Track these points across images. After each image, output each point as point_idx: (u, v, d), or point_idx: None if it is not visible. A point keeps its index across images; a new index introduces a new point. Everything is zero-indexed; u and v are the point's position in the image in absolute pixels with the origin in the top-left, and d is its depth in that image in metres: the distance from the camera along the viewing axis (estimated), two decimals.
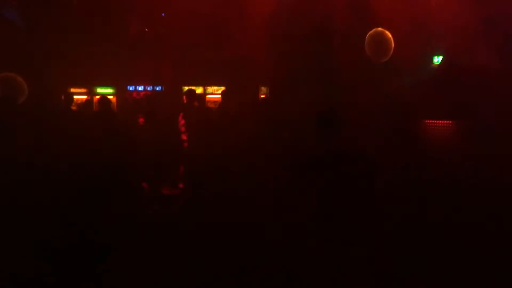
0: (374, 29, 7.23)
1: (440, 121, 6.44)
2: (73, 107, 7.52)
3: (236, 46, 10.53)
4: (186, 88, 11.07)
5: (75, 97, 8.49)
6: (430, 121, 6.59)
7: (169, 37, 10.10)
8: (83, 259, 2.88)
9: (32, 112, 5.71)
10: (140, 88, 11.56)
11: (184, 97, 6.81)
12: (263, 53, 10.31)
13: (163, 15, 10.30)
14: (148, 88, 11.54)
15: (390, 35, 7.05)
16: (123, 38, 9.51)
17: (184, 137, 6.24)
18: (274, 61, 10.40)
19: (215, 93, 11.62)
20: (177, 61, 10.81)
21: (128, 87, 11.56)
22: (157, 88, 11.60)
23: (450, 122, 6.39)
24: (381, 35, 7.23)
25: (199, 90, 11.16)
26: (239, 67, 10.80)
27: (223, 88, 10.64)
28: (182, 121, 6.26)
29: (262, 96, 11.35)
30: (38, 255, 2.83)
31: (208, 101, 11.32)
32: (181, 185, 6.11)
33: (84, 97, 10.36)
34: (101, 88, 11.37)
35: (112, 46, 10.25)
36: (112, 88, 11.49)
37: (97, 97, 8.80)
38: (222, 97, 7.64)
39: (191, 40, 10.30)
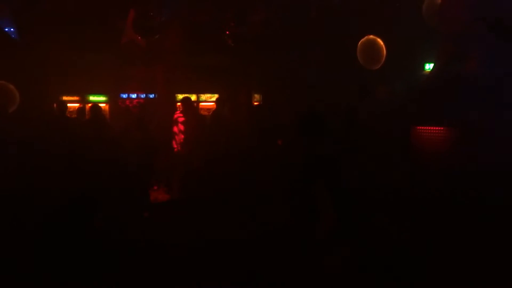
0: (366, 37, 7.30)
1: (432, 128, 6.49)
2: (68, 115, 7.49)
3: (230, 53, 10.58)
4: (179, 95, 11.11)
5: (68, 105, 8.43)
6: (422, 127, 6.64)
7: (163, 44, 10.12)
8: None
9: (25, 119, 5.67)
10: (133, 95, 11.54)
11: (181, 104, 6.85)
12: (257, 60, 10.37)
13: None
14: (141, 96, 11.54)
15: (382, 43, 7.13)
16: (116, 45, 9.50)
17: (175, 144, 6.23)
18: (268, 68, 10.46)
19: (208, 100, 11.65)
20: (170, 68, 10.83)
21: (121, 94, 11.54)
22: (150, 96, 11.60)
23: (442, 128, 6.44)
24: (373, 43, 7.31)
25: (192, 97, 11.17)
26: (233, 75, 10.86)
27: (216, 95, 10.67)
28: (181, 119, 6.24)
29: (256, 103, 11.40)
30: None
31: (201, 109, 11.33)
32: (174, 190, 6.09)
33: (77, 105, 10.31)
34: (93, 96, 11.33)
35: (105, 53, 10.25)
36: (105, 96, 11.46)
37: (89, 105, 8.76)
38: (216, 104, 7.65)
39: (185, 47, 10.33)
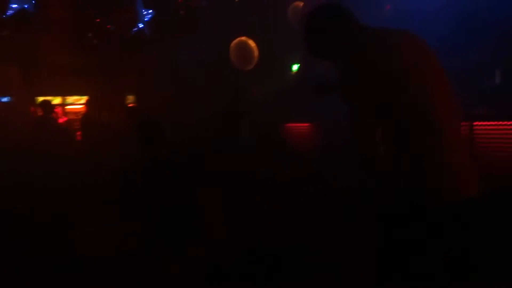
0: (238, 38, 7.59)
1: (298, 124, 7.12)
2: None
3: (99, 51, 9.93)
4: (40, 98, 9.98)
5: None
6: (291, 124, 7.24)
7: (19, 40, 8.99)
8: None
9: None
10: None
11: (39, 109, 6.24)
12: (129, 60, 9.95)
13: None
14: None
15: (254, 44, 7.48)
16: None
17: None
18: (140, 69, 10.13)
19: (76, 103, 10.72)
20: (29, 67, 9.66)
21: None
22: (4, 100, 10.15)
23: (307, 124, 7.11)
24: (245, 44, 7.63)
25: (57, 100, 10.18)
26: (103, 75, 10.20)
27: (85, 97, 9.89)
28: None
29: (130, 105, 10.93)
30: None
31: (68, 112, 10.39)
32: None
33: None
34: None
35: None
36: None
37: None
38: (86, 106, 7.15)
39: (48, 43, 9.35)
